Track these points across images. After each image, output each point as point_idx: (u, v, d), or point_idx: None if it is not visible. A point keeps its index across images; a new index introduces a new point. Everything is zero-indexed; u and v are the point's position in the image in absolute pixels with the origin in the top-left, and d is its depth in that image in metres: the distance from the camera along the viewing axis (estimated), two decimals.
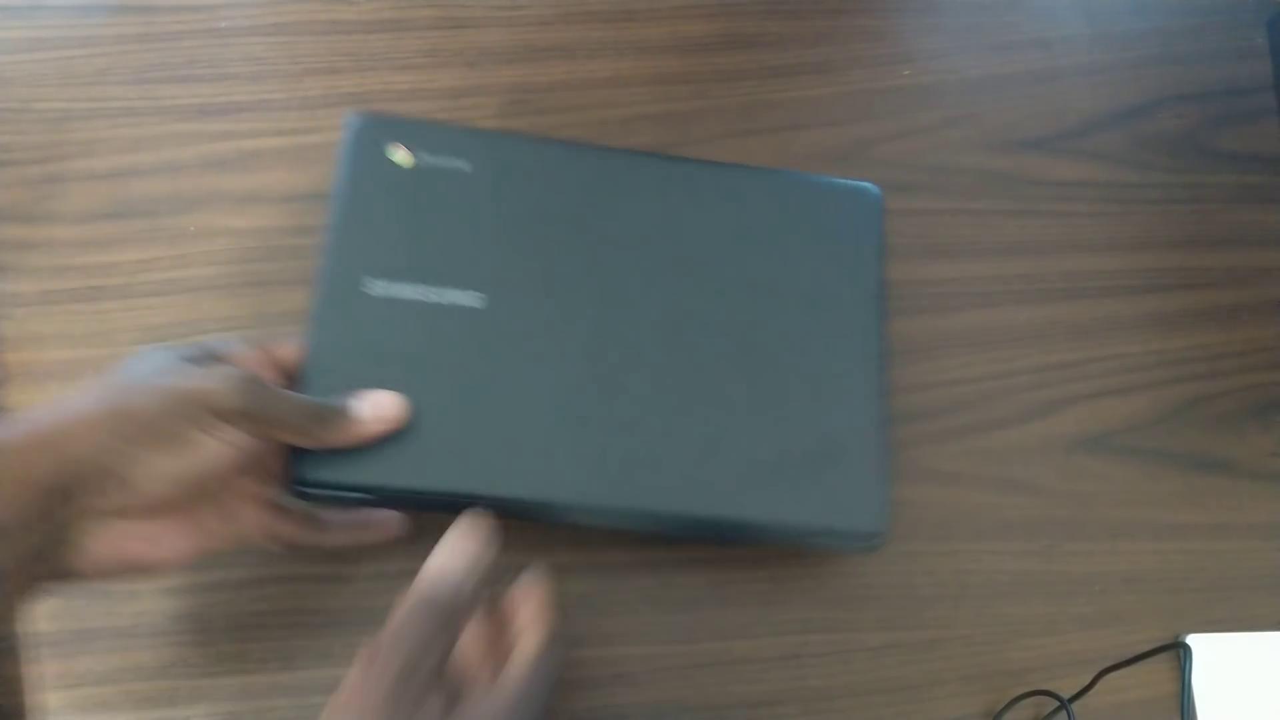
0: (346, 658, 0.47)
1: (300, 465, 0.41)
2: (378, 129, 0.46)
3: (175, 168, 0.55)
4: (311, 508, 0.44)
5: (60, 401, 0.35)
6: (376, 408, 0.40)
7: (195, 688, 0.46)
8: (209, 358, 0.39)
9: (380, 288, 0.43)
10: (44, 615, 0.47)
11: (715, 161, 0.50)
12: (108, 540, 0.36)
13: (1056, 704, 0.46)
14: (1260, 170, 0.59)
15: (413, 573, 0.48)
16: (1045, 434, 0.53)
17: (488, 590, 0.40)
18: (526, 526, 0.49)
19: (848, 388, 0.45)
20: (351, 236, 0.44)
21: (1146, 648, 0.46)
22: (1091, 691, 0.45)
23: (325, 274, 0.43)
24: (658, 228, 0.47)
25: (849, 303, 0.47)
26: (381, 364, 0.42)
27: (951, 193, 0.57)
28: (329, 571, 0.48)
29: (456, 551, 0.39)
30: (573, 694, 0.47)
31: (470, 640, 0.40)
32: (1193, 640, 0.49)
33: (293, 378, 0.42)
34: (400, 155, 0.45)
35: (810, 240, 0.48)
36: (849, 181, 0.50)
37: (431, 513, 0.43)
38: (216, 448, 0.36)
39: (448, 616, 0.37)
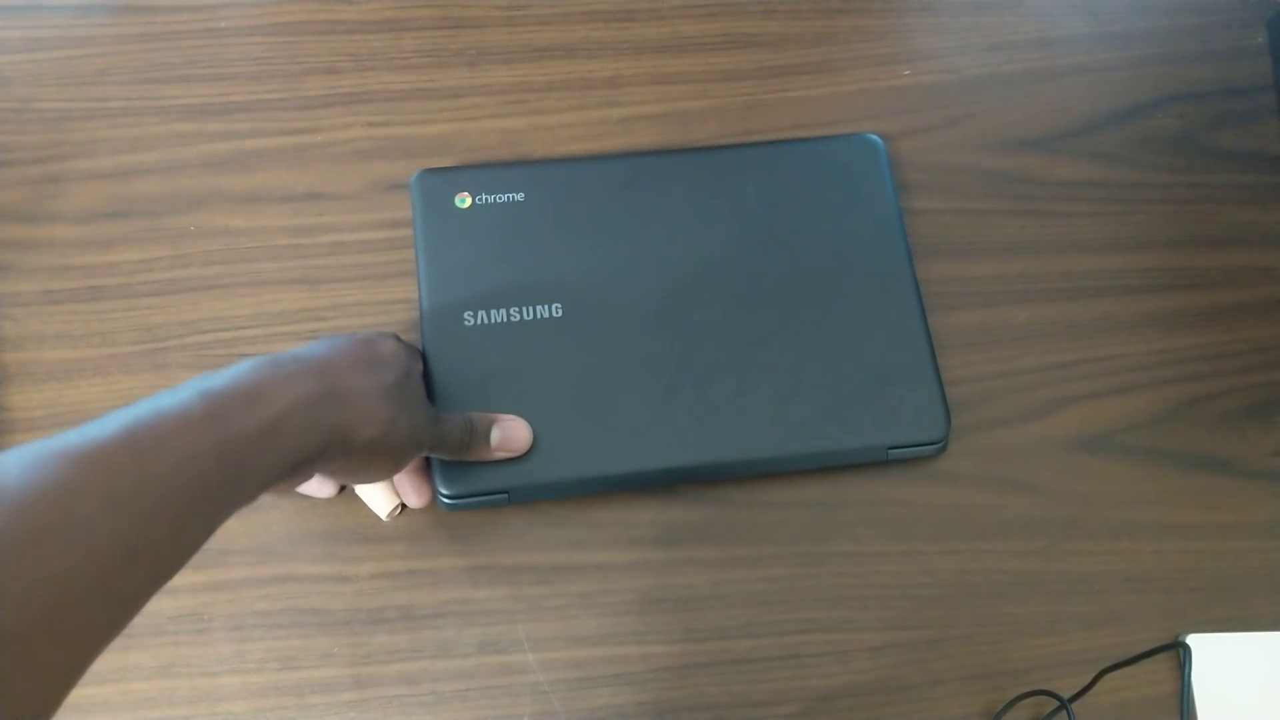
0: (346, 658, 0.47)
1: (443, 483, 0.47)
2: (440, 181, 0.53)
3: (175, 167, 0.55)
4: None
5: (359, 384, 0.40)
6: (508, 441, 0.47)
7: (194, 687, 0.46)
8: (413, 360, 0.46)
9: (475, 318, 0.49)
10: None
11: (732, 144, 0.57)
12: (295, 485, 0.42)
13: (1057, 704, 0.46)
14: (1260, 170, 0.59)
15: (412, 573, 0.48)
16: (1045, 433, 0.53)
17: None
18: (525, 527, 0.49)
19: (890, 317, 0.51)
20: (440, 281, 0.50)
21: (1146, 647, 0.46)
22: (1091, 691, 0.45)
23: (426, 318, 0.50)
24: (695, 212, 0.53)
25: (875, 242, 0.53)
26: (492, 381, 0.48)
27: (951, 193, 0.57)
28: (329, 571, 0.48)
29: None
30: (573, 693, 0.47)
31: None
32: (1192, 640, 0.49)
33: None
34: (463, 200, 0.52)
35: (829, 194, 0.54)
36: (851, 135, 0.56)
37: (560, 499, 0.49)
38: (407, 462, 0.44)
39: None
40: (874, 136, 0.56)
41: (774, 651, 0.48)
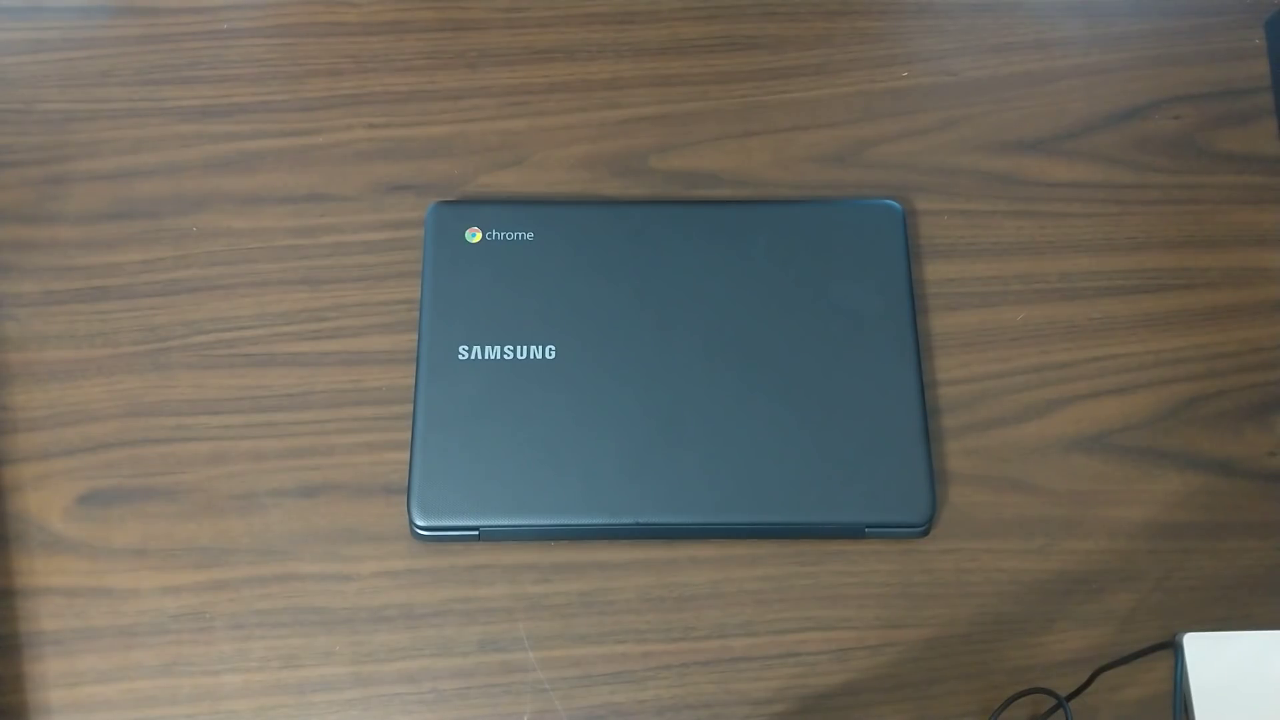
0: (348, 656, 0.47)
1: (419, 514, 0.48)
2: (454, 215, 0.53)
3: (177, 168, 0.56)
4: None
5: None
6: None
7: (196, 686, 0.47)
8: None
9: (469, 352, 0.50)
10: (47, 614, 0.48)
11: (749, 199, 0.56)
12: None
13: (1054, 702, 0.46)
14: (1257, 171, 0.59)
15: (412, 571, 0.49)
16: (1043, 433, 0.53)
17: None
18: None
19: (887, 393, 0.51)
20: (441, 314, 0.51)
21: (1142, 646, 0.46)
22: (1089, 690, 0.46)
23: (424, 348, 0.50)
24: (703, 266, 0.53)
25: (881, 313, 0.52)
26: (478, 417, 0.49)
27: (949, 194, 0.57)
28: (331, 570, 0.49)
29: None
30: (572, 693, 0.47)
31: None
32: (1190, 639, 0.49)
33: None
34: (474, 235, 0.52)
35: (841, 259, 0.53)
36: (871, 200, 0.56)
37: (533, 542, 0.49)
38: None
39: None
40: (894, 204, 0.55)
41: (773, 650, 0.48)
